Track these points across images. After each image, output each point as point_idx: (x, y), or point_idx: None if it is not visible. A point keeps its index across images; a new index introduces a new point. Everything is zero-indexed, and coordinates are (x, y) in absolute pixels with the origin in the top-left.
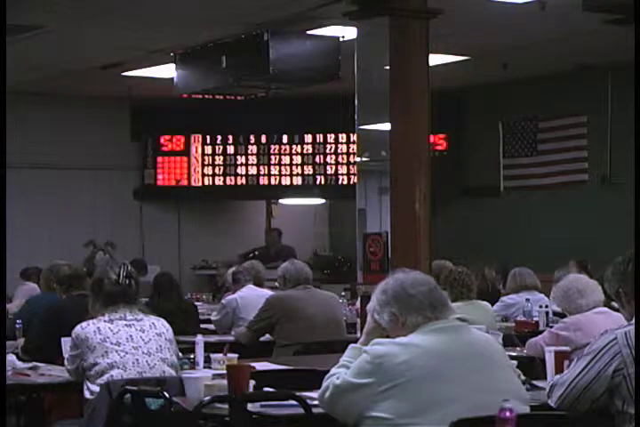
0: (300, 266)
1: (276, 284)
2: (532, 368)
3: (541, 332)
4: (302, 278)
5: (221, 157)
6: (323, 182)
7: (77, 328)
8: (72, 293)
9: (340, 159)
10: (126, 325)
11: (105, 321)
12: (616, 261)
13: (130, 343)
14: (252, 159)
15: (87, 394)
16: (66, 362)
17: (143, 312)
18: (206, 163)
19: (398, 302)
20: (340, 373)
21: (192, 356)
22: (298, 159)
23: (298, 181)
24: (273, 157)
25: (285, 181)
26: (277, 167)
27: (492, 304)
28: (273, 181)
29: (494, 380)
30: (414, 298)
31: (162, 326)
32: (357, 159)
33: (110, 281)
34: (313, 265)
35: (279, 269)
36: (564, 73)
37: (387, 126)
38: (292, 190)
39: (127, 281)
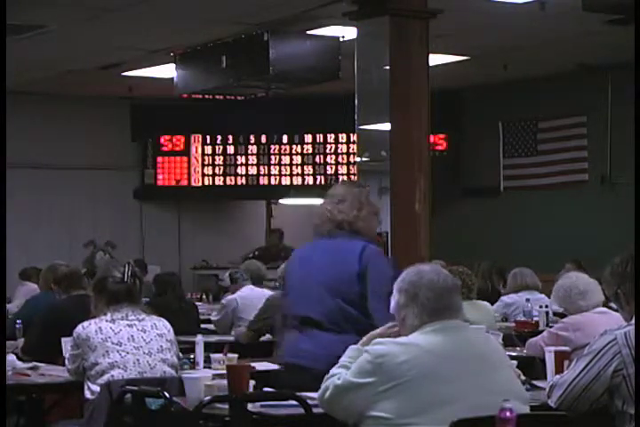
0: None
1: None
2: (532, 368)
3: (541, 332)
4: None
5: (221, 157)
6: (323, 182)
7: (79, 328)
8: (72, 293)
9: (340, 159)
10: (128, 325)
11: (107, 321)
12: (614, 262)
13: (131, 343)
14: (252, 159)
15: (88, 394)
16: (66, 361)
17: (145, 313)
18: (206, 163)
19: (405, 296)
20: (341, 373)
21: (192, 356)
22: (298, 159)
23: (298, 181)
24: (273, 157)
25: (285, 181)
26: (277, 167)
27: (492, 304)
28: (273, 181)
29: (494, 380)
30: (418, 300)
31: (163, 326)
32: (357, 159)
33: (114, 280)
34: None
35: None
36: (564, 73)
37: (387, 126)
38: (292, 190)
39: (132, 280)
